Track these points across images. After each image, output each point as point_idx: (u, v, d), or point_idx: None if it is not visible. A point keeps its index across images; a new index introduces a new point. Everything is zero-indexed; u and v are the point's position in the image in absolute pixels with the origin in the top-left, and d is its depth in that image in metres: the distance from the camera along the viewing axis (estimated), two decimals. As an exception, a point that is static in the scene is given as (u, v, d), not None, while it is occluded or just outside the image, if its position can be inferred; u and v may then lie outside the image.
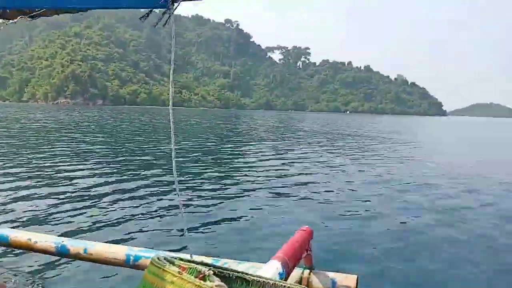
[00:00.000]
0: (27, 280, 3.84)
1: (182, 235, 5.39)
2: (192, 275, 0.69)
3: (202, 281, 0.68)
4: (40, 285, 3.77)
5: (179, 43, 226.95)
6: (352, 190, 9.26)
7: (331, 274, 1.47)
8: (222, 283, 0.70)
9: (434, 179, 11.27)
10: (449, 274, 4.61)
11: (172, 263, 0.73)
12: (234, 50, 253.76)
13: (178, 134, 25.47)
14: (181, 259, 0.73)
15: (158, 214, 6.52)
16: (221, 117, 69.69)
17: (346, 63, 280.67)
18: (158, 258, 0.74)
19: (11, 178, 9.04)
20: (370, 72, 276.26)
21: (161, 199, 7.56)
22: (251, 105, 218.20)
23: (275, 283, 0.80)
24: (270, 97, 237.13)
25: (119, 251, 1.80)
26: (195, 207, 7.09)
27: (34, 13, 1.16)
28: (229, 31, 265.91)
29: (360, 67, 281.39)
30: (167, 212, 6.63)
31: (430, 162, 15.45)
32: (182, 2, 0.94)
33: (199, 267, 0.72)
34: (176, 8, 0.95)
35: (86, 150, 15.16)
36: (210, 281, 0.69)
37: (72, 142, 18.47)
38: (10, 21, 1.33)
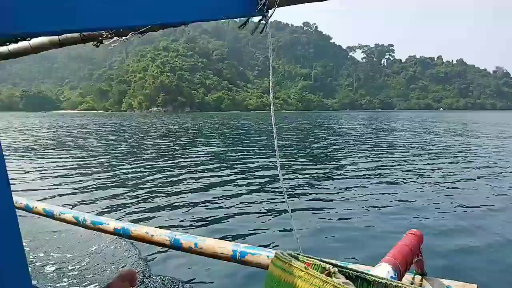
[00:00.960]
0: (146, 269, 4.28)
1: (289, 235, 5.49)
2: (317, 271, 0.70)
3: (328, 277, 0.68)
4: (159, 274, 4.14)
5: (260, 49, 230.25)
6: (468, 193, 8.28)
7: (446, 282, 1.39)
8: (349, 281, 0.69)
9: None
10: None
11: (297, 258, 0.74)
12: (314, 52, 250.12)
13: (269, 136, 25.37)
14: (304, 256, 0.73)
15: (265, 214, 6.62)
16: (310, 119, 68.57)
17: (435, 58, 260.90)
18: (282, 253, 0.75)
19: (132, 181, 9.71)
20: (463, 66, 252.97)
21: (267, 199, 7.69)
22: (334, 106, 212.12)
23: (398, 285, 0.77)
24: (354, 96, 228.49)
25: (227, 247, 1.91)
26: (302, 208, 7.01)
27: (143, 30, 1.24)
28: (308, 34, 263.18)
29: (452, 61, 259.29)
30: (274, 212, 6.70)
31: None
32: (277, 8, 0.95)
33: (323, 264, 0.72)
34: (272, 15, 0.96)
35: (190, 155, 15.34)
36: (336, 278, 0.69)
37: (174, 147, 18.86)
38: (123, 38, 1.44)
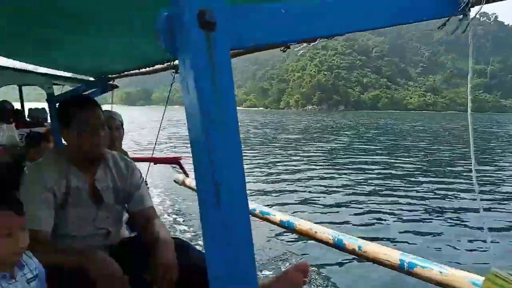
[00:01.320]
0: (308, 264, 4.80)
1: (482, 251, 4.96)
2: None
3: None
4: (320, 270, 4.26)
5: (426, 43, 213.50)
6: None
7: None
8: None
9: None
10: None
11: None
12: (491, 46, 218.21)
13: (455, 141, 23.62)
14: None
15: (451, 224, 6.19)
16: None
17: None
18: (500, 271, 0.72)
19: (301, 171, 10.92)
20: None
21: (456, 209, 7.11)
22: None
23: None
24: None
25: (393, 255, 1.83)
26: (501, 221, 6.32)
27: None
28: (485, 25, 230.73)
29: None
30: (462, 224, 6.17)
31: None
32: (483, 5, 0.93)
33: None
34: (476, 14, 0.94)
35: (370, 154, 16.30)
36: None
37: (302, 141, 20.32)
38: (311, 44, 1.46)
